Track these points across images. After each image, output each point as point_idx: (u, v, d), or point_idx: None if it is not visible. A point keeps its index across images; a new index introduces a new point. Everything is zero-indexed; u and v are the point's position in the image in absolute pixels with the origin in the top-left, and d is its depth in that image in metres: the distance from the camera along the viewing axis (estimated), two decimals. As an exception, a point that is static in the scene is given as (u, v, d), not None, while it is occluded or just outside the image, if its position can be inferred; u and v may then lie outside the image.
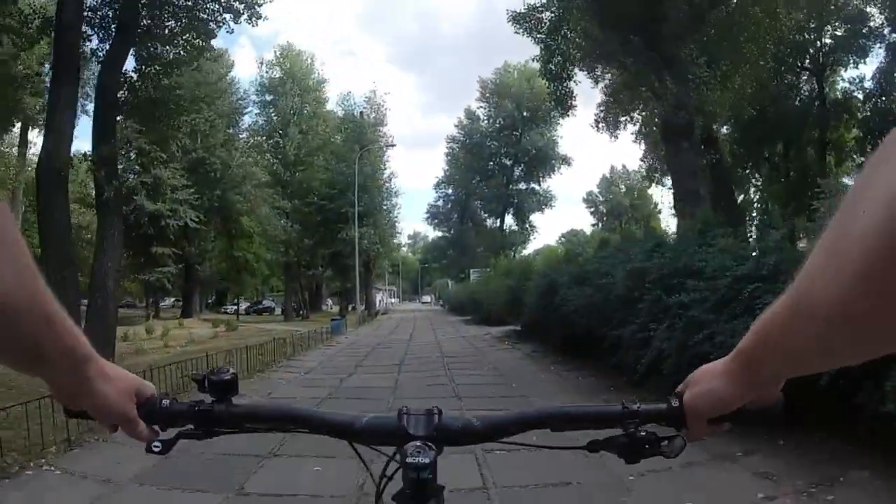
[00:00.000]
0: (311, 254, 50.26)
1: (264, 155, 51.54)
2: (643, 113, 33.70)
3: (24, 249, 0.66)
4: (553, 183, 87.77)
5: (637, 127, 36.88)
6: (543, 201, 66.59)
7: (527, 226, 68.14)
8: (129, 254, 48.05)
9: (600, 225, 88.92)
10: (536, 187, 66.48)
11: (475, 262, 62.46)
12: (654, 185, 40.13)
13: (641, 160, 38.34)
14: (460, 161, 67.97)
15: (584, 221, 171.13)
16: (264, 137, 51.85)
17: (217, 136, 47.35)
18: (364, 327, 33.82)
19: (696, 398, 0.90)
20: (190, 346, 24.65)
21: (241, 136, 53.15)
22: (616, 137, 36.96)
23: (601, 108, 36.85)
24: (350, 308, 58.22)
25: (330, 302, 69.74)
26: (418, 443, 0.91)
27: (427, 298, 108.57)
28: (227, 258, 53.76)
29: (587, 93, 48.75)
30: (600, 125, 36.83)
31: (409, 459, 0.88)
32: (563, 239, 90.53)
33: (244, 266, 54.56)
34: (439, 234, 74.70)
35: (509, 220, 67.87)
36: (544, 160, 63.94)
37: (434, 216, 72.26)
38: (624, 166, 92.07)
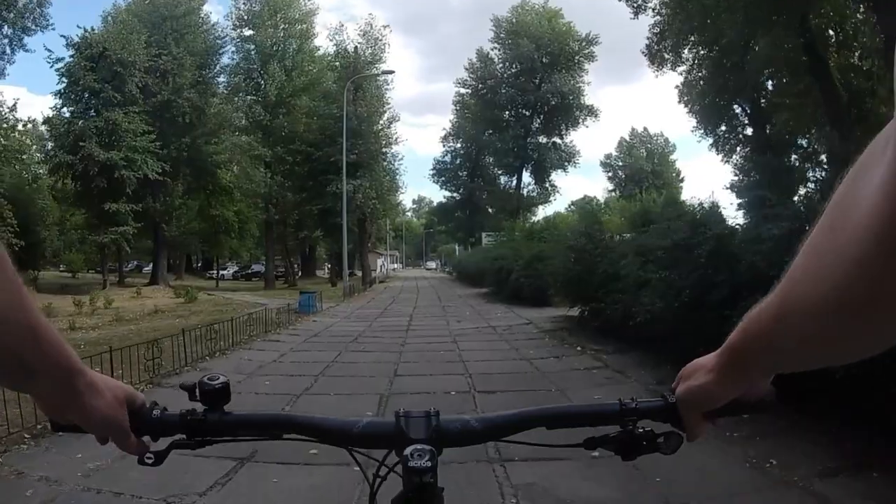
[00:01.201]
0: (300, 212, 42.77)
1: (241, 96, 43.79)
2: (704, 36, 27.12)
3: (6, 259, 0.65)
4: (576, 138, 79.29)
5: (688, 66, 32.27)
6: (566, 158, 58.16)
7: (547, 185, 59.90)
8: (78, 210, 41.89)
9: (618, 192, 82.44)
10: (558, 141, 58.09)
11: (486, 225, 55.63)
12: (704, 135, 35.69)
13: (691, 114, 35.15)
14: (471, 110, 59.83)
15: (595, 189, 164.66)
16: (242, 77, 43.93)
17: (185, 75, 40.15)
18: (350, 302, 26.30)
19: (686, 393, 0.91)
20: (109, 327, 18.11)
21: (218, 79, 45.95)
22: (673, 68, 32.02)
23: (654, 32, 30.41)
24: (350, 273, 51.47)
25: (328, 267, 63.00)
26: (419, 445, 0.89)
27: (432, 264, 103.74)
28: (205, 217, 47.07)
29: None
30: (654, 50, 31.24)
31: (410, 463, 0.87)
32: (572, 207, 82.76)
33: (225, 226, 47.85)
34: (446, 194, 66.77)
35: (526, 178, 59.74)
36: (567, 111, 55.73)
37: (440, 173, 64.32)
38: (645, 129, 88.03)
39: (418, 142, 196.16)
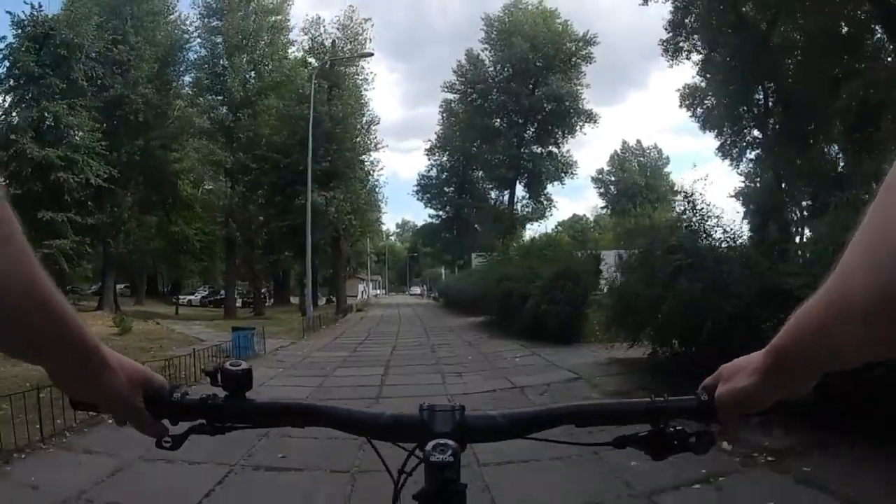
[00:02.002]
0: (269, 230, 37.44)
1: (205, 95, 38.29)
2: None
3: (21, 238, 0.65)
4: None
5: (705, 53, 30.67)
6: (563, 168, 53.13)
7: (542, 199, 54.58)
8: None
9: (609, 208, 78.75)
10: (554, 150, 53.06)
11: (476, 245, 50.39)
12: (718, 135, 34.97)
13: (693, 118, 35.92)
14: (459, 118, 54.85)
15: (580, 209, 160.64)
16: (206, 72, 38.44)
17: (142, 66, 34.97)
18: (310, 339, 20.65)
19: (728, 395, 0.88)
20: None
21: (182, 79, 40.45)
22: (688, 56, 31.28)
23: (675, 10, 28.97)
24: (327, 300, 45.91)
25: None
26: (441, 440, 0.87)
27: (416, 290, 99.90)
28: (164, 235, 41.35)
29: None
30: (672, 37, 30.43)
31: (431, 458, 0.85)
32: (559, 228, 77.84)
33: (186, 245, 42.16)
34: (431, 212, 61.56)
35: (520, 192, 54.78)
36: (563, 117, 50.74)
37: (425, 189, 59.17)
38: (638, 141, 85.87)
39: (402, 167, 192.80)
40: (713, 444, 0.91)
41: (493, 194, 56.64)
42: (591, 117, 51.76)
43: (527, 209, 54.33)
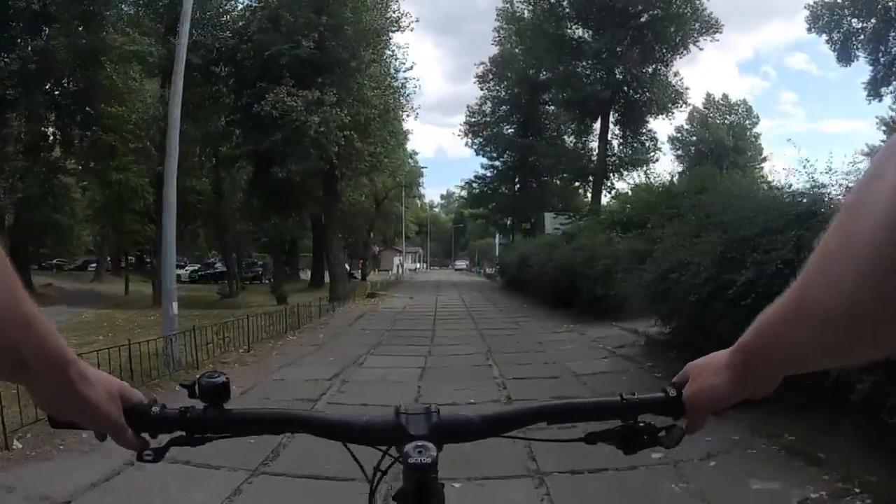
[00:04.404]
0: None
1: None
2: None
3: (0, 250, 0.64)
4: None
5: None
6: (671, 98, 36.69)
7: (643, 138, 38.00)
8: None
9: (686, 173, 62.24)
10: (662, 69, 36.26)
11: (548, 202, 37.75)
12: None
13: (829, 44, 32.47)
14: (523, 29, 39.37)
15: (641, 176, 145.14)
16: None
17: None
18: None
19: (697, 394, 0.92)
20: None
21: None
22: None
23: None
24: (339, 281, 32.44)
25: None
26: (419, 442, 0.90)
27: (462, 264, 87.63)
28: (104, 184, 28.61)
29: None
30: None
31: (410, 459, 0.87)
32: (613, 200, 61.85)
33: (132, 200, 28.66)
34: (484, 162, 46.59)
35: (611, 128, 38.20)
36: (673, 24, 34.45)
37: (475, 130, 44.26)
38: (725, 96, 70.40)
39: (449, 143, 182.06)
40: (682, 437, 0.94)
41: (569, 131, 41.48)
42: (710, 25, 35.76)
43: (623, 151, 38.14)
